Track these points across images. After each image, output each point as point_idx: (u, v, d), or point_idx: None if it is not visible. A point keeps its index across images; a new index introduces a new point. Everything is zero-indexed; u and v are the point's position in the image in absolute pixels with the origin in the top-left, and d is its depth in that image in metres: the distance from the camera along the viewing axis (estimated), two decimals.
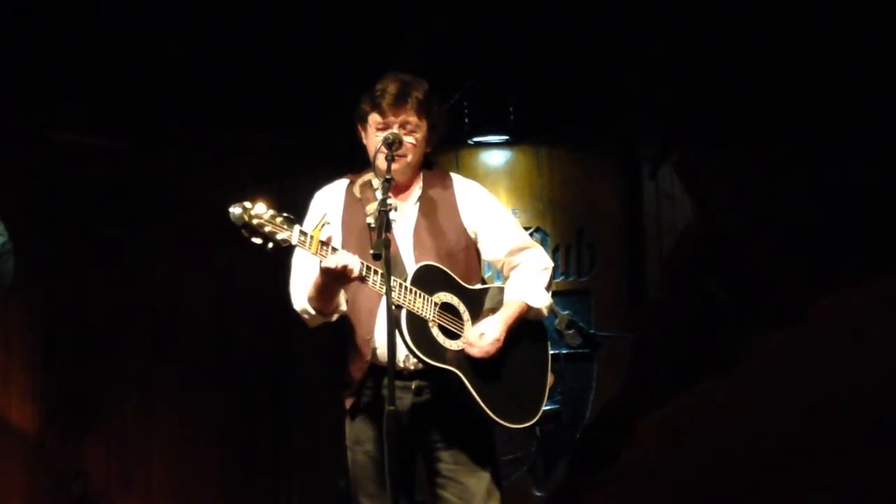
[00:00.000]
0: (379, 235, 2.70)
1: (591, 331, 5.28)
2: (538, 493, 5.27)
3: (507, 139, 5.40)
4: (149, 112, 4.74)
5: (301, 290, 2.98)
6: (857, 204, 4.70)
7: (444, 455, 2.98)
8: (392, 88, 2.99)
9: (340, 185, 3.14)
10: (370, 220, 2.96)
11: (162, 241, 4.84)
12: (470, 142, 5.36)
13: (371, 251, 2.71)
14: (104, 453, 4.68)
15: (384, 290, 2.72)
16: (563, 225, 5.36)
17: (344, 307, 3.02)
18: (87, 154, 4.67)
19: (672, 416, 4.88)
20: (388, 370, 2.70)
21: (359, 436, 3.03)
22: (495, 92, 5.25)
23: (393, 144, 2.91)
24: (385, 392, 2.86)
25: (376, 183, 3.05)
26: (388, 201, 2.77)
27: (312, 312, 2.97)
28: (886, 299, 4.48)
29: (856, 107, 4.62)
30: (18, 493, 4.40)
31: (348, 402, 3.05)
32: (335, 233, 3.02)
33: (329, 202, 3.10)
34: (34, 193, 4.48)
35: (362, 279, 2.80)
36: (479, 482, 2.97)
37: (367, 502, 3.02)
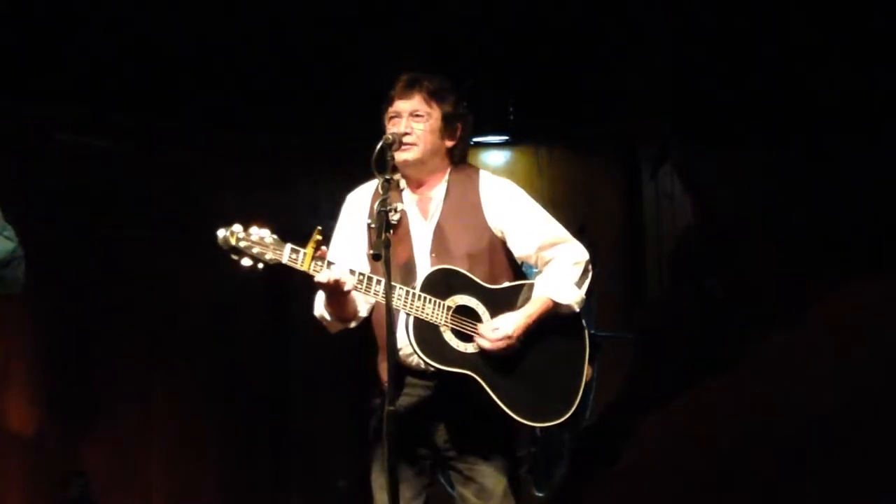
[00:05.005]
0: (378, 236, 2.70)
1: (591, 331, 5.26)
2: (538, 493, 5.26)
3: (507, 139, 5.39)
4: (149, 112, 4.74)
5: (320, 298, 2.98)
6: (858, 204, 4.70)
7: (465, 454, 2.98)
8: (404, 77, 3.01)
9: (370, 185, 3.13)
10: (369, 220, 2.95)
11: (162, 241, 4.84)
12: (470, 142, 5.35)
13: (370, 252, 2.71)
14: (104, 453, 4.68)
15: (385, 299, 2.73)
16: (563, 225, 5.35)
17: (364, 314, 3.02)
18: (87, 154, 4.67)
19: (672, 417, 4.88)
20: (389, 370, 2.70)
21: (381, 430, 3.03)
22: (495, 92, 5.25)
23: (393, 145, 2.90)
24: (409, 390, 2.90)
25: (403, 183, 3.03)
26: (392, 201, 2.76)
27: (329, 319, 2.98)
28: (886, 299, 4.48)
29: (856, 108, 4.62)
30: (18, 493, 4.40)
31: (377, 399, 3.04)
32: (361, 234, 3.02)
33: (358, 203, 3.10)
34: (34, 193, 4.47)
35: (358, 289, 2.80)
36: (497, 483, 2.98)
37: (382, 494, 3.01)
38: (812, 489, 4.30)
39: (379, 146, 2.91)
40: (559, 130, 5.40)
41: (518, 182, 5.36)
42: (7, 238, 3.17)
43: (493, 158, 5.44)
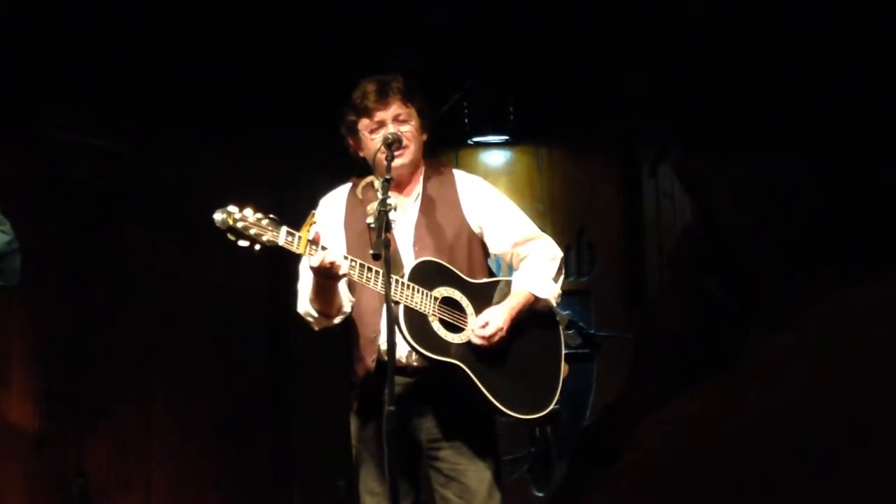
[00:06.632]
0: (378, 235, 2.70)
1: (591, 331, 5.28)
2: (538, 493, 5.26)
3: (507, 139, 5.39)
4: (149, 112, 4.74)
5: (304, 294, 2.99)
6: (857, 204, 4.70)
7: (446, 454, 2.98)
8: (371, 87, 3.01)
9: (344, 189, 3.15)
10: (369, 220, 2.95)
11: (162, 241, 4.84)
12: (470, 142, 5.36)
13: (371, 251, 2.72)
14: (104, 453, 4.68)
15: (381, 288, 2.74)
16: (563, 225, 5.36)
17: (348, 309, 3.03)
18: (87, 154, 4.67)
19: (672, 417, 4.89)
20: (388, 369, 2.70)
21: (362, 433, 3.03)
22: (495, 92, 5.25)
23: (393, 144, 2.92)
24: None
25: (377, 184, 3.05)
26: (389, 200, 2.77)
27: (315, 315, 2.99)
28: (886, 300, 4.49)
29: (856, 110, 4.63)
30: (18, 493, 4.40)
31: (354, 401, 3.05)
32: (338, 235, 3.03)
33: (332, 206, 3.12)
34: (34, 193, 4.48)
35: (351, 276, 2.81)
36: (480, 482, 2.97)
37: (370, 499, 3.01)
38: (811, 489, 4.30)
39: (379, 146, 2.93)
40: (559, 130, 5.40)
41: (518, 182, 5.44)
42: (3, 231, 3.20)
43: (493, 158, 5.44)
